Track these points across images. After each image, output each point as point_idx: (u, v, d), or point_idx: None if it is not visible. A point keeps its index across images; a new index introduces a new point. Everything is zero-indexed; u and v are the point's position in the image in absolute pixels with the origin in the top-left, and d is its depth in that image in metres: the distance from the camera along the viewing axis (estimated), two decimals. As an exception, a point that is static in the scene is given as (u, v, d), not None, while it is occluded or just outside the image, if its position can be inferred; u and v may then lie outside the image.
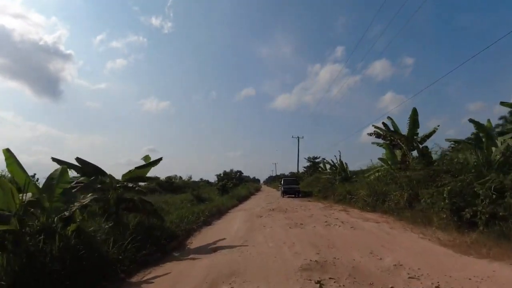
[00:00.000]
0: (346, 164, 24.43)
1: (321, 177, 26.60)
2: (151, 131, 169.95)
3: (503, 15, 76.53)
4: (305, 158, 43.17)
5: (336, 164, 24.87)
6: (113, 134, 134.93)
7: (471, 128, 9.71)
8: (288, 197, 24.75)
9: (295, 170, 49.54)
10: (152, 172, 7.99)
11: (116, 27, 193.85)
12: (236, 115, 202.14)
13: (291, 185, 25.36)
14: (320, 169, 38.39)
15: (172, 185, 48.80)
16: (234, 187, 36.29)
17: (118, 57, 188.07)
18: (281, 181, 29.11)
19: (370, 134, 14.89)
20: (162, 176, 45.93)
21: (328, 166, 27.89)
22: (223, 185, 36.88)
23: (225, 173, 58.21)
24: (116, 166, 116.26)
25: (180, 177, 59.21)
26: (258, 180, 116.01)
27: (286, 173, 72.35)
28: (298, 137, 45.35)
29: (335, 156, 25.02)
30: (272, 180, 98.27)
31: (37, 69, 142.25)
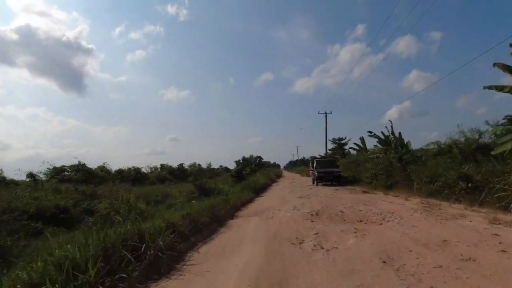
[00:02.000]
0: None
1: (367, 157, 19.47)
2: (173, 120, 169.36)
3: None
4: (330, 140, 36.35)
5: (390, 139, 17.70)
6: (136, 125, 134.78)
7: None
8: (323, 185, 18.10)
9: (317, 154, 42.86)
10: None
11: (133, 18, 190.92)
12: (255, 101, 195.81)
13: (329, 168, 18.44)
14: (347, 150, 31.89)
15: (184, 173, 43.93)
16: (251, 173, 29.99)
17: (137, 49, 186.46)
18: (313, 163, 21.84)
19: (497, 66, 7.69)
20: (175, 164, 41.28)
21: (372, 143, 20.73)
22: (238, 172, 30.70)
23: (244, 159, 53.60)
24: (140, 156, 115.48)
25: (199, 165, 54.71)
26: (278, 166, 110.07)
27: (307, 157, 65.87)
28: (326, 113, 37.67)
29: (386, 127, 17.73)
30: (293, 165, 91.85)
31: (62, 65, 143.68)
